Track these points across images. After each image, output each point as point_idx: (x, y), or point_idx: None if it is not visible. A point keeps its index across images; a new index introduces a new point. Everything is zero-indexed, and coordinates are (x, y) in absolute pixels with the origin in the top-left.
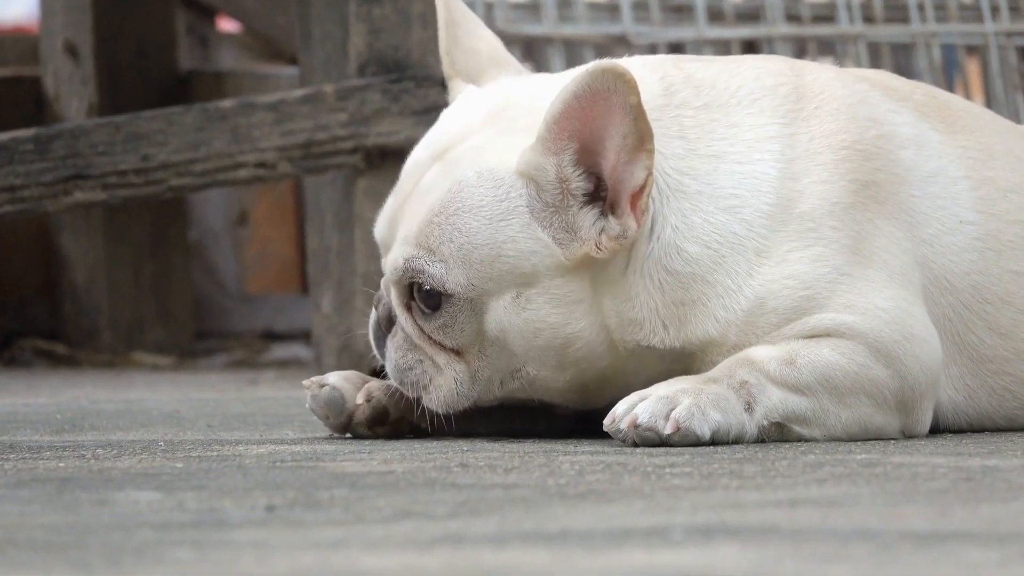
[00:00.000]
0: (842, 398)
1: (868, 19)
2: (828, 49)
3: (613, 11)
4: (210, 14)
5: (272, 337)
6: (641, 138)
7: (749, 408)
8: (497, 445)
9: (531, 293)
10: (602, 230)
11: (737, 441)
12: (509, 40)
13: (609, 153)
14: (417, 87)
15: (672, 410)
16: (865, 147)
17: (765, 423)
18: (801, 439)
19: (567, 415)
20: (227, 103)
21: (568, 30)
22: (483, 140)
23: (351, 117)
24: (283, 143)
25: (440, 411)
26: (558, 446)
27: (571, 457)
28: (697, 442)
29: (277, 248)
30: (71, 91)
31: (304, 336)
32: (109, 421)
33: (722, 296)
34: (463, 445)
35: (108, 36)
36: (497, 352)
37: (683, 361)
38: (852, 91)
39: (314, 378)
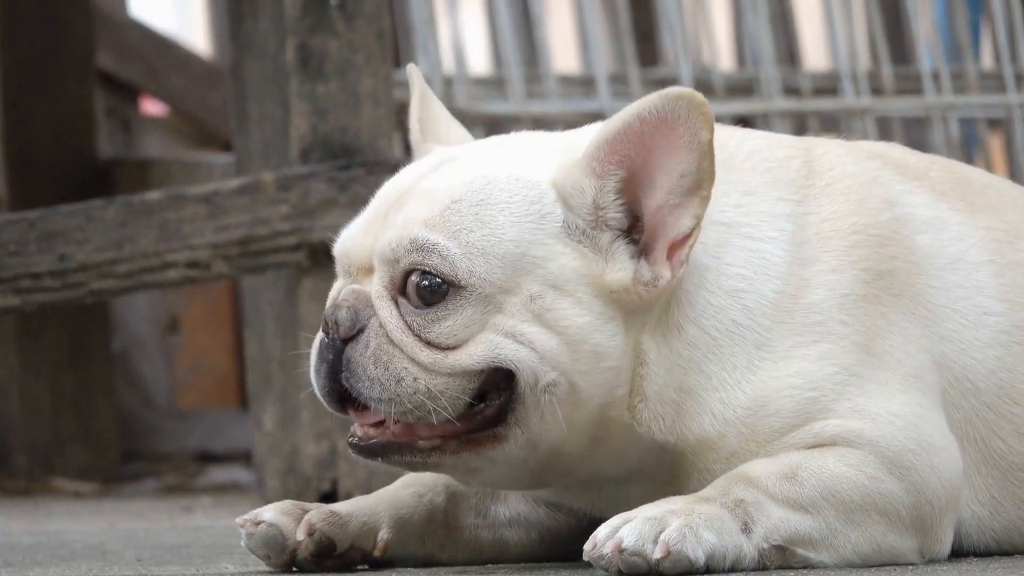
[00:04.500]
0: (851, 516)
1: (876, 91)
2: (831, 125)
3: (587, 85)
4: (133, 95)
5: (208, 458)
6: (699, 182)
7: (747, 529)
8: None
9: (556, 294)
10: (633, 271)
11: (735, 568)
12: (471, 120)
13: (658, 191)
14: (368, 174)
15: (661, 532)
16: (879, 232)
17: (765, 546)
18: (807, 564)
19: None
20: (154, 195)
21: (537, 108)
22: (507, 148)
23: (294, 209)
24: (217, 240)
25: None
26: None
27: None
28: (690, 568)
29: (212, 358)
30: None
31: (244, 457)
32: (25, 555)
33: (718, 389)
34: None
35: (18, 120)
36: None
37: (668, 462)
38: (864, 168)
39: (247, 515)
